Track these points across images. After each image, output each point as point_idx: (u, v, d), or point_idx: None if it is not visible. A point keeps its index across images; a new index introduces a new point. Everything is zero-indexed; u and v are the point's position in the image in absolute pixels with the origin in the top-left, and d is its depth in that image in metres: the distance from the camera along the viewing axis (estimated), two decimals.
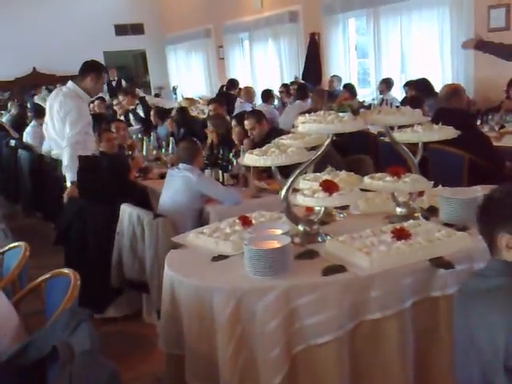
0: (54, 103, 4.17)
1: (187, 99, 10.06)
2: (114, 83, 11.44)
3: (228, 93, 9.01)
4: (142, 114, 7.48)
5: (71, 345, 1.52)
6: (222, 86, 9.89)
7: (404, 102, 5.16)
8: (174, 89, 12.42)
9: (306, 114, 2.62)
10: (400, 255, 2.18)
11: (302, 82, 8.29)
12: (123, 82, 11.62)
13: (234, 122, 4.88)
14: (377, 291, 2.11)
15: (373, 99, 7.56)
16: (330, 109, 2.58)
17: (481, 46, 4.73)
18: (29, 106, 10.32)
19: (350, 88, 7.52)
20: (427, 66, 7.14)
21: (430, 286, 2.20)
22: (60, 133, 4.11)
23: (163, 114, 6.68)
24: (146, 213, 3.40)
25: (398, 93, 7.52)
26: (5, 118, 9.45)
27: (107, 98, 9.98)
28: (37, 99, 11.49)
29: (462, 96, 4.19)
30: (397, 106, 3.29)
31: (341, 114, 2.46)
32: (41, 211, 6.21)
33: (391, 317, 2.14)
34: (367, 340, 2.16)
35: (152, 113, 6.85)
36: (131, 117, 7.26)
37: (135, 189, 4.36)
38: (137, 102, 7.66)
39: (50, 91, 11.05)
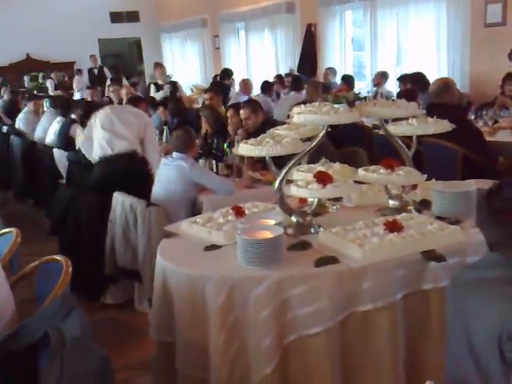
0: (124, 114, 4.34)
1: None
2: (95, 71, 11.33)
3: (222, 82, 8.98)
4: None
5: (62, 331, 1.52)
6: (216, 76, 9.84)
7: (399, 95, 5.16)
8: (169, 77, 12.36)
9: (302, 105, 2.61)
10: (392, 247, 2.19)
11: (297, 73, 8.26)
12: (106, 70, 11.53)
13: (231, 112, 4.86)
14: (369, 283, 2.12)
15: (368, 92, 7.55)
16: (326, 100, 2.58)
17: None
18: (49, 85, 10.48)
19: (347, 80, 7.53)
20: (423, 60, 7.15)
21: (421, 278, 2.21)
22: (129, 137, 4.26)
23: (154, 104, 6.68)
24: (139, 201, 3.39)
25: (392, 86, 7.52)
26: None
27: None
28: (48, 83, 11.48)
29: (452, 90, 4.16)
30: (392, 100, 3.28)
31: (336, 106, 2.46)
32: (32, 198, 6.18)
33: (382, 308, 2.15)
34: (358, 331, 2.17)
35: None
36: (152, 88, 7.48)
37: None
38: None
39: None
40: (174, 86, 8.43)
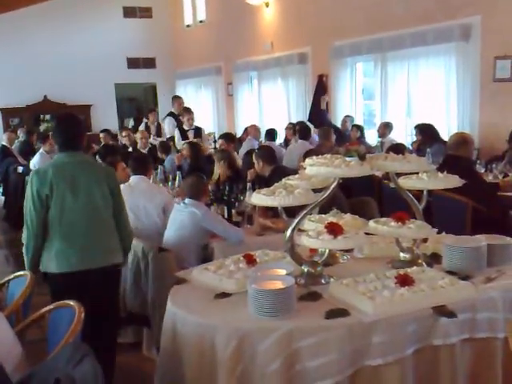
0: None
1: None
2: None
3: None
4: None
5: (74, 378, 1.53)
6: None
7: (388, 150, 5.15)
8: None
9: (314, 157, 2.66)
10: (403, 302, 2.19)
11: (307, 122, 8.40)
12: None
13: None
14: (379, 337, 2.11)
15: (378, 142, 7.67)
16: (337, 153, 2.64)
17: None
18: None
19: (358, 128, 7.74)
20: (433, 111, 7.25)
21: (431, 334, 2.20)
22: None
23: (167, 147, 6.93)
24: (151, 246, 3.42)
25: (402, 135, 7.62)
26: (13, 145, 9.55)
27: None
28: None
29: (470, 146, 4.30)
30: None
31: (348, 159, 2.51)
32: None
33: (392, 364, 2.14)
34: None
35: (157, 147, 7.10)
36: (177, 134, 7.78)
37: None
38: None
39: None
40: (198, 130, 8.41)
